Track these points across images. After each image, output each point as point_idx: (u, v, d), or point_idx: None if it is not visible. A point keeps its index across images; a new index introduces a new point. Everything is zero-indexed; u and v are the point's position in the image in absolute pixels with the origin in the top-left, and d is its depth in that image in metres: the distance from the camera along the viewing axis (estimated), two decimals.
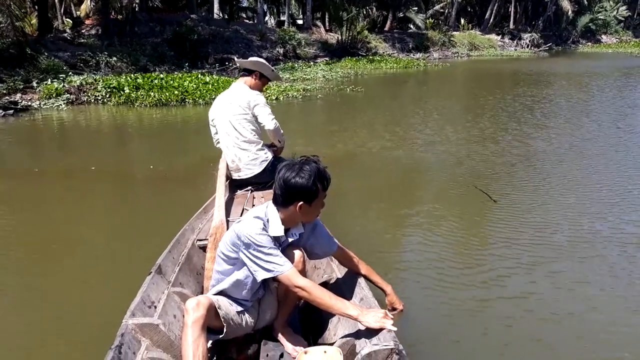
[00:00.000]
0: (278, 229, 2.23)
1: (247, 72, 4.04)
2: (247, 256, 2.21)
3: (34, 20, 20.05)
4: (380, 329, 2.08)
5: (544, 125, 9.74)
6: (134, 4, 21.82)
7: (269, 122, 3.92)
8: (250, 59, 4.11)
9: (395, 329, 2.05)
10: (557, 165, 6.87)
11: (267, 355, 2.35)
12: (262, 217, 2.24)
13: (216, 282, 2.40)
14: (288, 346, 2.36)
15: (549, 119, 10.58)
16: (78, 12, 24.28)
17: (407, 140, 8.50)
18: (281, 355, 2.34)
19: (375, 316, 2.09)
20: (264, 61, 4.10)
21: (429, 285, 3.68)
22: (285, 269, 2.18)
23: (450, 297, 3.51)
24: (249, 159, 3.94)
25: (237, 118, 3.86)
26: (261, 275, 2.20)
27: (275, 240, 2.25)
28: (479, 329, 3.16)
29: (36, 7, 19.50)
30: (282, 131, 4.13)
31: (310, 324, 2.66)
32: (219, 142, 4.15)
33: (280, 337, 2.43)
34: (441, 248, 4.32)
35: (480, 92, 15.06)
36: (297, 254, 2.34)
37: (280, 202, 2.24)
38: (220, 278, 2.37)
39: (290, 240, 2.34)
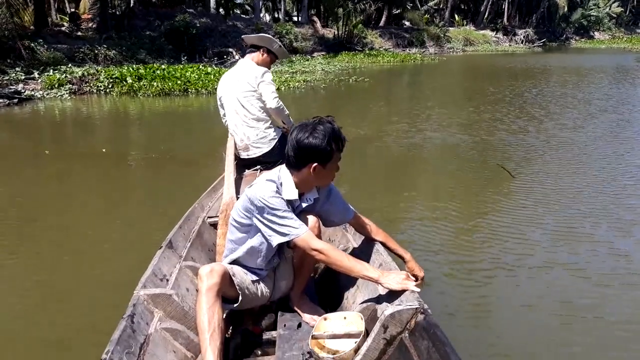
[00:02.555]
0: (292, 193, 2.12)
1: (255, 48, 3.90)
2: (260, 221, 2.10)
3: (27, 17, 19.94)
4: (402, 291, 1.97)
5: (554, 112, 9.92)
6: None
7: (271, 100, 3.73)
8: (257, 34, 4.01)
9: (418, 289, 1.95)
10: (569, 145, 7.03)
11: (285, 325, 2.27)
12: (275, 180, 2.13)
13: (229, 252, 2.31)
14: (305, 316, 2.30)
15: (556, 106, 10.72)
16: (72, 9, 24.14)
17: (428, 123, 8.87)
18: (299, 325, 2.26)
19: (397, 277, 1.99)
20: (270, 36, 3.99)
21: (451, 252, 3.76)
22: (301, 232, 2.06)
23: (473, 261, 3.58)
24: (257, 137, 3.80)
25: (245, 95, 3.73)
26: (276, 240, 2.09)
27: (289, 204, 2.13)
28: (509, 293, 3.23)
29: (32, 1, 19.39)
30: (287, 112, 3.93)
31: (326, 296, 2.56)
32: (227, 122, 4.03)
33: (297, 307, 2.36)
34: (465, 216, 4.47)
35: (483, 84, 15.22)
36: (312, 219, 2.21)
37: (293, 164, 2.12)
38: (234, 247, 2.28)
39: (304, 205, 2.22)
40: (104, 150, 6.73)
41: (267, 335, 2.27)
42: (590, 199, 4.90)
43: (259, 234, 2.16)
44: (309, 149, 2.05)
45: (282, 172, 2.16)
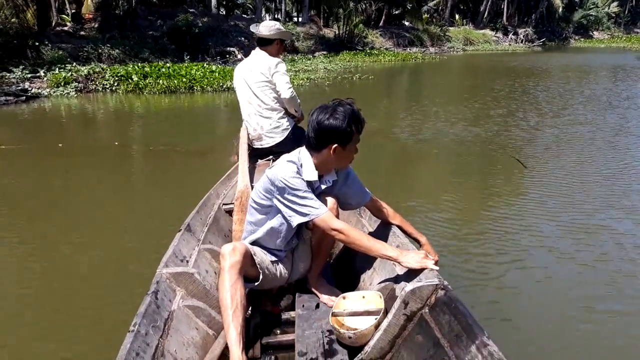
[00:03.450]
0: (312, 174, 2.14)
1: (265, 41, 3.86)
2: (281, 201, 2.13)
3: (30, 17, 19.98)
4: (421, 270, 2.00)
5: (562, 107, 10.01)
6: None
7: (286, 90, 3.76)
8: (267, 24, 3.91)
9: (437, 268, 1.98)
10: (575, 138, 7.09)
11: (303, 305, 2.30)
12: (295, 161, 2.16)
13: (248, 234, 2.34)
14: (323, 297, 2.33)
15: (564, 101, 10.80)
16: (72, 10, 24.17)
17: (437, 118, 9.04)
18: (317, 306, 2.29)
19: (416, 256, 2.02)
20: (281, 27, 3.95)
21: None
22: (321, 212, 2.09)
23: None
24: (271, 127, 3.83)
25: (259, 85, 3.76)
26: (296, 220, 2.12)
27: (309, 185, 2.15)
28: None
29: (34, 1, 19.45)
30: (298, 101, 3.96)
31: (343, 279, 2.58)
32: (241, 111, 4.03)
33: (315, 288, 2.39)
34: (481, 200, 4.60)
35: (487, 81, 15.38)
36: (331, 200, 2.24)
37: (313, 145, 2.15)
38: (253, 229, 2.31)
39: (323, 187, 2.25)
40: (116, 143, 6.83)
41: (285, 316, 2.31)
42: (602, 188, 5.00)
43: (279, 215, 2.20)
44: (329, 130, 2.08)
45: (302, 153, 2.19)
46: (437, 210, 4.56)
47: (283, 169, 2.12)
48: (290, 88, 3.80)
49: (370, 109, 10.01)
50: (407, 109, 10.12)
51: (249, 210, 2.33)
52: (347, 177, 2.35)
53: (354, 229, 2.15)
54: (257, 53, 3.85)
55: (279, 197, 2.13)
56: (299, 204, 2.09)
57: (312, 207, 2.09)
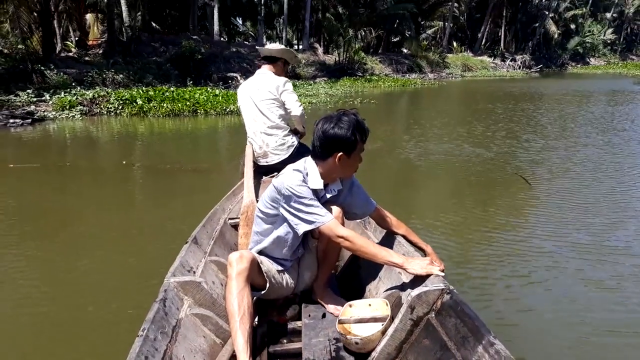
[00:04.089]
0: (317, 182, 2.19)
1: (270, 59, 3.96)
2: (287, 210, 2.16)
3: (35, 43, 20.31)
4: (427, 277, 2.02)
5: (565, 129, 10.13)
6: (137, 25, 22.19)
7: (296, 108, 3.85)
8: (274, 46, 4.05)
9: (443, 274, 2.00)
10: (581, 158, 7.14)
11: (309, 315, 2.32)
12: (301, 170, 2.20)
13: (255, 244, 2.37)
14: (329, 306, 2.34)
15: (567, 123, 10.90)
16: (76, 37, 24.58)
17: (441, 138, 9.16)
18: (323, 315, 2.30)
19: (422, 263, 2.04)
20: (287, 48, 4.08)
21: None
22: (326, 219, 2.12)
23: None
24: (276, 144, 3.86)
25: (266, 103, 3.81)
26: (303, 228, 2.15)
27: (314, 194, 2.19)
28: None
29: (40, 27, 19.78)
30: (305, 117, 4.04)
31: (348, 290, 2.58)
32: (246, 129, 4.06)
33: (320, 298, 2.40)
34: (488, 217, 4.62)
35: (489, 105, 15.45)
36: (336, 209, 2.27)
37: (319, 154, 2.20)
38: (259, 239, 2.34)
39: (328, 196, 2.29)
40: (124, 162, 6.93)
41: (292, 325, 2.32)
42: (610, 208, 5.01)
43: (285, 224, 2.23)
44: (334, 139, 2.13)
45: (307, 162, 2.23)
46: (443, 228, 4.58)
47: (289, 178, 2.17)
48: (300, 105, 3.89)
49: (373, 130, 10.09)
50: (410, 130, 10.22)
51: (255, 220, 2.38)
52: (352, 187, 2.39)
53: (360, 236, 2.17)
54: (263, 72, 3.91)
55: (285, 205, 2.17)
56: (305, 212, 2.13)
57: (318, 214, 2.12)
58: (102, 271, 3.69)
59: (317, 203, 2.15)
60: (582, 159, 7.14)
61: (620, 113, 12.91)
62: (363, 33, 31.45)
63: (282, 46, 4.05)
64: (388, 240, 2.50)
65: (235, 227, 3.20)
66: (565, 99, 17.27)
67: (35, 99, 12.63)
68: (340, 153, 2.15)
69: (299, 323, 2.30)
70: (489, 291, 3.37)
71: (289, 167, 2.27)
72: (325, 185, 2.26)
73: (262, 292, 2.20)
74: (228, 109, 12.40)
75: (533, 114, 12.84)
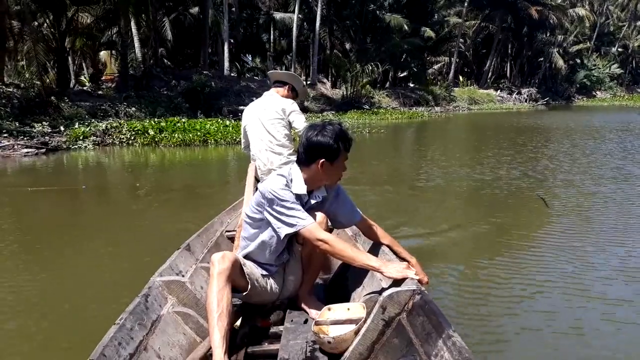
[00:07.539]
0: (301, 187, 2.25)
1: (280, 83, 4.07)
2: (270, 213, 2.23)
3: (51, 78, 20.91)
4: (403, 280, 2.07)
5: (578, 159, 10.25)
6: (150, 60, 22.77)
7: (302, 123, 3.87)
8: (282, 71, 4.22)
9: (417, 277, 2.05)
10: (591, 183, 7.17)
11: (292, 320, 2.35)
12: (285, 175, 2.28)
13: (242, 249, 2.42)
14: (312, 312, 2.37)
15: (580, 155, 10.95)
16: (89, 73, 25.26)
17: (454, 166, 9.23)
18: (305, 321, 2.33)
19: (398, 267, 2.11)
20: (297, 75, 4.20)
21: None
22: (307, 222, 2.18)
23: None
24: (281, 162, 3.86)
25: (272, 122, 3.87)
26: (284, 231, 2.21)
27: (298, 199, 2.25)
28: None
29: (55, 63, 20.38)
30: None
31: (336, 300, 2.54)
32: (247, 148, 4.14)
33: (305, 304, 2.44)
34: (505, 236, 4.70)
35: (499, 136, 15.62)
36: (320, 215, 2.33)
37: (303, 160, 2.28)
38: (246, 244, 2.40)
39: (312, 202, 2.35)
40: (137, 184, 7.11)
41: (274, 329, 2.34)
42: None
43: (269, 228, 2.29)
44: (317, 146, 2.22)
45: (292, 169, 2.32)
46: (459, 249, 4.63)
47: (273, 182, 2.26)
48: (306, 122, 3.90)
49: (383, 158, 10.25)
50: (421, 157, 10.36)
51: (243, 225, 2.46)
52: (338, 195, 2.46)
53: (339, 240, 2.24)
54: (271, 94, 4.02)
55: (268, 208, 2.23)
56: (287, 215, 2.20)
57: (299, 217, 2.19)
58: (105, 280, 3.81)
59: (299, 207, 2.22)
60: (599, 187, 7.15)
61: (635, 144, 12.80)
62: (370, 67, 31.99)
63: (291, 72, 4.21)
64: (374, 249, 2.56)
65: (232, 239, 3.25)
66: (574, 130, 17.34)
67: (49, 130, 12.93)
68: (323, 159, 2.23)
69: (281, 327, 2.33)
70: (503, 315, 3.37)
71: (274, 172, 2.38)
72: (310, 192, 2.33)
73: (244, 293, 2.23)
74: (238, 139, 12.42)
75: (547, 144, 12.91)
